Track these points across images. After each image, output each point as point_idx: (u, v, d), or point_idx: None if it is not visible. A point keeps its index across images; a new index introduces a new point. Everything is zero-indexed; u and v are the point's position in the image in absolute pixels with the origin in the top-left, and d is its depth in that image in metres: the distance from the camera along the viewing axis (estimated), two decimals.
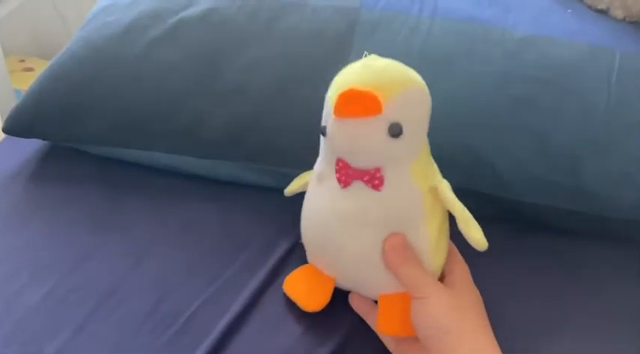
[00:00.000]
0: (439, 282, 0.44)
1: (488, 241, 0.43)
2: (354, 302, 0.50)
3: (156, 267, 0.54)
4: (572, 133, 0.55)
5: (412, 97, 0.42)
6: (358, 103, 0.39)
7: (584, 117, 0.55)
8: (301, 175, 0.54)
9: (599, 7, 0.67)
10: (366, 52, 0.45)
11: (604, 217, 0.56)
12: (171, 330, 0.48)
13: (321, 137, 0.46)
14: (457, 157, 0.56)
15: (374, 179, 0.42)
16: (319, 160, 0.48)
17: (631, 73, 0.57)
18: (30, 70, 1.30)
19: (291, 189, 0.54)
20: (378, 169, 0.42)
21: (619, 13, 0.65)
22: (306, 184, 0.51)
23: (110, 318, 0.49)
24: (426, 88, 0.44)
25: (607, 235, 0.58)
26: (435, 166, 0.47)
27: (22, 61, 1.34)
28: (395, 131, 0.40)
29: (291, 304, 0.50)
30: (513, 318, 0.50)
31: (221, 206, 0.60)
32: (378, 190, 0.43)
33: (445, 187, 0.45)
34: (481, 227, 0.44)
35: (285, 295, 0.51)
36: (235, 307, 0.50)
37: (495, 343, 0.42)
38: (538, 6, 0.65)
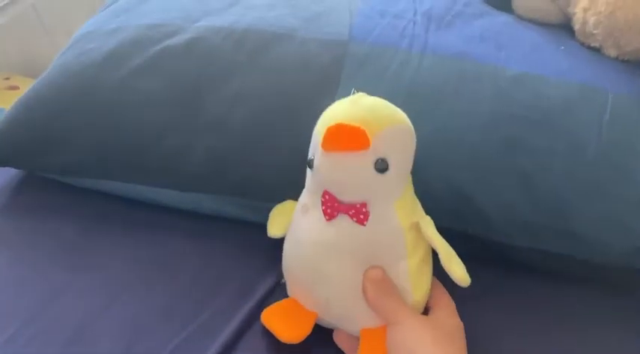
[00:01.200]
0: (417, 312, 0.45)
1: (475, 283, 0.43)
2: (339, 338, 0.49)
3: (129, 308, 0.51)
4: (561, 175, 0.53)
5: (398, 135, 0.44)
6: (346, 137, 0.40)
7: (575, 159, 0.53)
8: (278, 213, 0.53)
9: (592, 44, 0.66)
10: (354, 90, 0.45)
11: (594, 262, 0.54)
12: None
13: (308, 170, 0.46)
14: (444, 197, 0.54)
15: (359, 214, 0.43)
16: (304, 192, 0.48)
17: (623, 114, 0.56)
18: (15, 88, 1.27)
19: (275, 233, 0.52)
20: (364, 204, 0.43)
21: (612, 52, 0.64)
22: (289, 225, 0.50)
23: None
24: (412, 127, 0.45)
25: (597, 281, 0.57)
26: (419, 203, 0.48)
27: (7, 78, 1.31)
28: (381, 166, 0.42)
29: (269, 349, 0.48)
30: None
31: (201, 242, 0.58)
32: (363, 225, 0.43)
33: (427, 224, 0.45)
34: (468, 268, 0.44)
35: (263, 340, 0.49)
36: (211, 353, 0.47)
37: None
38: (530, 43, 0.64)
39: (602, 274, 0.56)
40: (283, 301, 0.50)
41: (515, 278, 0.57)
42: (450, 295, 0.48)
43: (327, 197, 0.44)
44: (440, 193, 0.54)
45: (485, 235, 0.55)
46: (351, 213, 0.43)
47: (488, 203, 0.54)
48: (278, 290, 0.53)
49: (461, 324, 0.45)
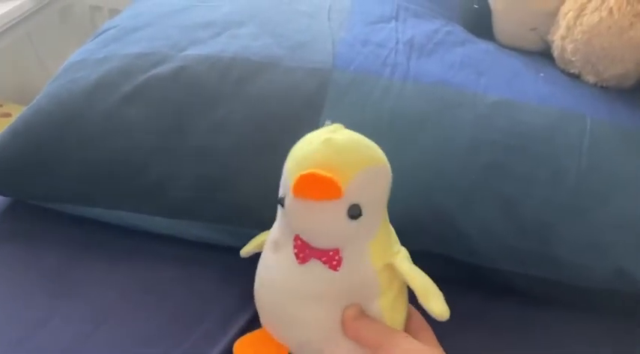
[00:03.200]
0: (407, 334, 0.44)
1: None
2: None
3: (112, 336, 0.51)
4: (542, 200, 0.54)
5: (372, 177, 0.41)
6: (318, 187, 0.38)
7: (555, 184, 0.54)
8: (258, 235, 0.52)
9: (571, 71, 0.68)
10: (327, 122, 0.44)
11: (577, 286, 0.55)
12: None
13: (279, 206, 0.45)
14: (427, 223, 0.54)
15: (332, 260, 0.42)
16: (276, 227, 0.47)
17: (602, 139, 0.57)
18: (7, 115, 1.28)
19: (247, 250, 0.53)
20: (336, 251, 0.41)
21: (590, 78, 0.66)
22: (262, 244, 0.50)
23: None
24: (387, 165, 0.43)
25: (581, 305, 0.57)
26: (393, 233, 0.46)
27: (0, 106, 1.33)
28: (354, 213, 0.40)
29: None
30: None
31: (186, 269, 0.58)
32: (336, 271, 0.42)
33: (402, 261, 0.43)
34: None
35: None
36: None
37: None
38: (510, 69, 0.65)
39: (588, 299, 0.56)
40: (256, 332, 0.49)
41: (500, 302, 0.57)
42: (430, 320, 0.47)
43: (299, 242, 0.42)
44: (423, 219, 0.54)
45: (469, 260, 0.56)
46: (323, 259, 0.42)
47: (472, 229, 0.54)
48: None
49: None
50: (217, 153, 0.57)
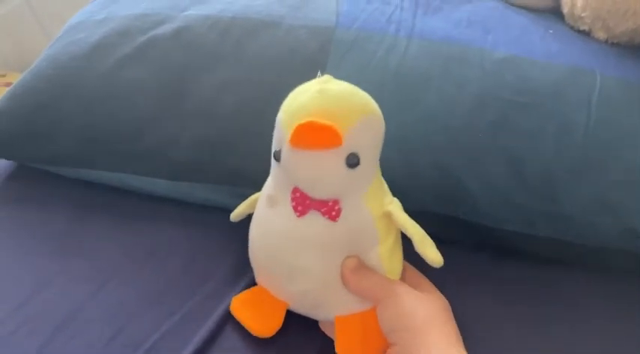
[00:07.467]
0: (404, 284, 0.45)
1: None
2: (324, 324, 0.49)
3: (118, 294, 0.51)
4: (549, 157, 0.53)
5: (368, 126, 0.42)
6: (318, 136, 0.38)
7: (563, 140, 0.53)
8: (248, 199, 0.52)
9: (581, 28, 0.66)
10: (319, 73, 0.44)
11: (585, 245, 0.54)
12: None
13: (273, 161, 0.45)
14: (433, 182, 0.54)
15: (332, 211, 0.42)
16: (270, 182, 0.47)
17: (612, 95, 0.56)
18: (10, 85, 1.27)
19: (237, 213, 0.53)
20: (336, 201, 0.42)
21: (601, 35, 0.64)
22: (252, 205, 0.50)
23: (64, 350, 0.46)
24: (380, 115, 0.43)
25: (590, 265, 0.56)
26: (385, 184, 0.46)
27: (3, 75, 1.32)
28: (352, 162, 0.40)
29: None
30: (488, 347, 0.48)
31: (191, 231, 0.58)
32: (335, 221, 0.42)
33: (397, 210, 0.44)
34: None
35: None
36: (198, 338, 0.48)
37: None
38: (518, 26, 0.64)
39: (596, 258, 0.56)
40: (253, 290, 0.50)
41: (507, 263, 0.57)
42: (440, 278, 0.47)
43: (297, 194, 0.42)
44: (429, 178, 0.54)
45: (476, 220, 0.55)
46: (323, 210, 0.42)
47: (478, 187, 0.53)
48: None
49: (447, 301, 0.45)
50: (218, 114, 0.57)
